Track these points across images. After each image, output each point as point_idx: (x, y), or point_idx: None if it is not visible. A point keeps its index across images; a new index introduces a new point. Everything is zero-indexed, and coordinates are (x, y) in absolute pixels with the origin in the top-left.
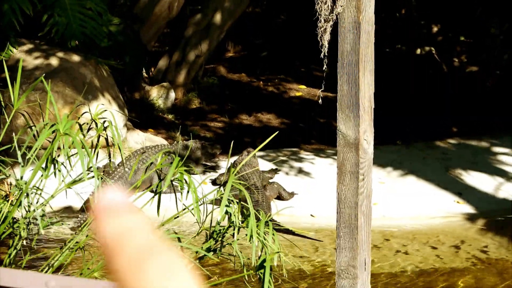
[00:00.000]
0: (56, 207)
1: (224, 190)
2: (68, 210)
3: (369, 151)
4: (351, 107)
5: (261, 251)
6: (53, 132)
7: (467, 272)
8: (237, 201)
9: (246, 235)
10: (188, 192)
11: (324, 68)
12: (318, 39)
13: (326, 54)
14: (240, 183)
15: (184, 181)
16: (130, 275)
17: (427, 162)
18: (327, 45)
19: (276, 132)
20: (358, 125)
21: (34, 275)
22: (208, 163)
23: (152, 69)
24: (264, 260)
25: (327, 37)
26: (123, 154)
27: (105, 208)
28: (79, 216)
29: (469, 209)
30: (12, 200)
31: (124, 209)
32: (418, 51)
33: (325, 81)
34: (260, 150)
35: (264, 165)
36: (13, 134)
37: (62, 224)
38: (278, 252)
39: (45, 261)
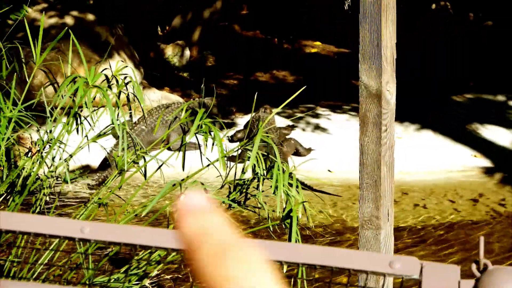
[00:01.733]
0: (73, 166)
1: (246, 144)
2: (85, 168)
3: (391, 101)
4: (373, 58)
5: (286, 203)
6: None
7: (486, 225)
8: (263, 153)
9: (271, 186)
10: (213, 144)
11: (346, 20)
12: None
13: (350, 5)
14: (268, 136)
15: (208, 133)
16: (212, 269)
17: (444, 117)
18: None
19: (302, 89)
20: (380, 75)
21: (68, 221)
22: (225, 120)
23: (167, 27)
24: (291, 210)
25: None
26: (144, 111)
27: (189, 208)
28: (97, 174)
29: (486, 163)
30: (37, 156)
31: (206, 210)
32: (433, 6)
33: (344, 35)
34: (276, 107)
35: (281, 121)
36: (31, 92)
37: (87, 177)
38: (304, 202)
39: (67, 217)
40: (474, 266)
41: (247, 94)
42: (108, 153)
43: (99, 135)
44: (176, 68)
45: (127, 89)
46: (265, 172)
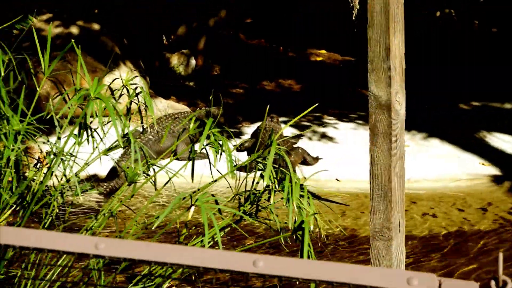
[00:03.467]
0: (82, 176)
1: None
2: (93, 178)
3: (401, 112)
4: (382, 68)
5: (297, 215)
6: (85, 99)
7: (495, 234)
8: (274, 165)
9: (282, 198)
10: (221, 154)
11: (355, 30)
12: (349, 0)
13: (357, 15)
14: (280, 148)
15: (217, 144)
16: None
17: (451, 125)
18: (358, 6)
19: (314, 106)
20: (390, 86)
21: (83, 238)
22: (231, 129)
23: (172, 36)
24: (302, 222)
25: None
26: (154, 120)
27: None
28: (105, 184)
29: (495, 171)
30: (45, 167)
31: None
32: (438, 13)
33: (351, 44)
34: (282, 116)
35: (288, 130)
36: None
37: (97, 189)
38: (315, 213)
39: (76, 229)
40: (493, 283)
41: (253, 103)
42: (116, 163)
43: (110, 149)
44: (182, 77)
45: (138, 99)
46: (276, 183)
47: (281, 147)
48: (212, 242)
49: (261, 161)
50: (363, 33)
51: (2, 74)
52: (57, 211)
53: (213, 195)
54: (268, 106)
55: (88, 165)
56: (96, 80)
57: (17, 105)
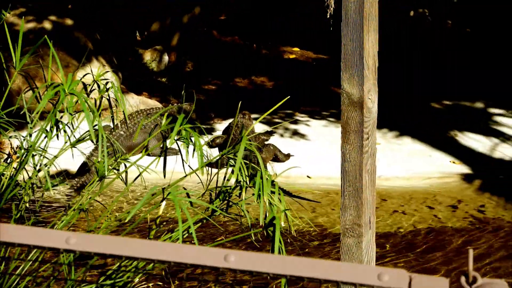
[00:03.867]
0: (51, 171)
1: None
2: (64, 173)
3: (373, 110)
4: (355, 66)
5: (268, 212)
6: (56, 94)
7: (465, 231)
8: (246, 161)
9: (253, 194)
10: (194, 150)
11: (331, 28)
12: None
13: (332, 13)
14: (251, 144)
15: (188, 140)
16: None
17: (422, 123)
18: (333, 5)
19: (285, 99)
20: (362, 84)
21: (54, 232)
22: (203, 126)
23: (145, 32)
24: (274, 218)
25: None
26: (126, 115)
27: None
28: (76, 179)
29: (465, 170)
30: (15, 162)
31: None
32: (412, 13)
33: (323, 42)
34: (254, 112)
35: (259, 127)
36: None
37: (67, 184)
38: (286, 209)
39: (46, 224)
40: (463, 279)
41: (226, 100)
42: (87, 158)
43: (78, 140)
44: (155, 73)
45: (108, 94)
46: (247, 180)
47: (252, 142)
48: (186, 235)
49: (232, 157)
50: (337, 31)
51: None
52: (27, 205)
53: (185, 189)
54: (240, 103)
55: (57, 157)
56: (70, 76)
57: None
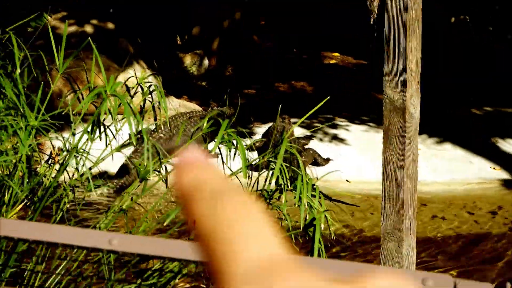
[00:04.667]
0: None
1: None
2: (103, 174)
3: (415, 115)
4: (398, 72)
5: (308, 214)
6: (98, 96)
7: (505, 237)
8: (286, 165)
9: (295, 197)
10: (235, 154)
11: (375, 34)
12: (367, 4)
13: (375, 19)
14: (291, 147)
15: (231, 143)
16: (207, 214)
17: (463, 129)
18: (376, 11)
19: (324, 100)
20: (405, 89)
21: (97, 233)
22: (243, 130)
23: (186, 36)
24: (314, 219)
25: (376, 2)
26: (167, 118)
27: (185, 162)
28: (115, 181)
29: (505, 176)
30: (57, 163)
31: (202, 164)
32: (453, 19)
33: (366, 48)
34: (294, 117)
35: (299, 131)
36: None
37: (109, 186)
38: (326, 210)
39: (86, 224)
40: (509, 285)
41: (265, 104)
42: (127, 159)
43: (123, 145)
44: (195, 77)
45: (151, 97)
46: (288, 183)
47: (293, 145)
48: None
49: (273, 160)
50: (380, 37)
51: (18, 70)
52: (68, 206)
53: None
54: (280, 106)
55: (104, 159)
56: (112, 78)
57: (31, 101)
